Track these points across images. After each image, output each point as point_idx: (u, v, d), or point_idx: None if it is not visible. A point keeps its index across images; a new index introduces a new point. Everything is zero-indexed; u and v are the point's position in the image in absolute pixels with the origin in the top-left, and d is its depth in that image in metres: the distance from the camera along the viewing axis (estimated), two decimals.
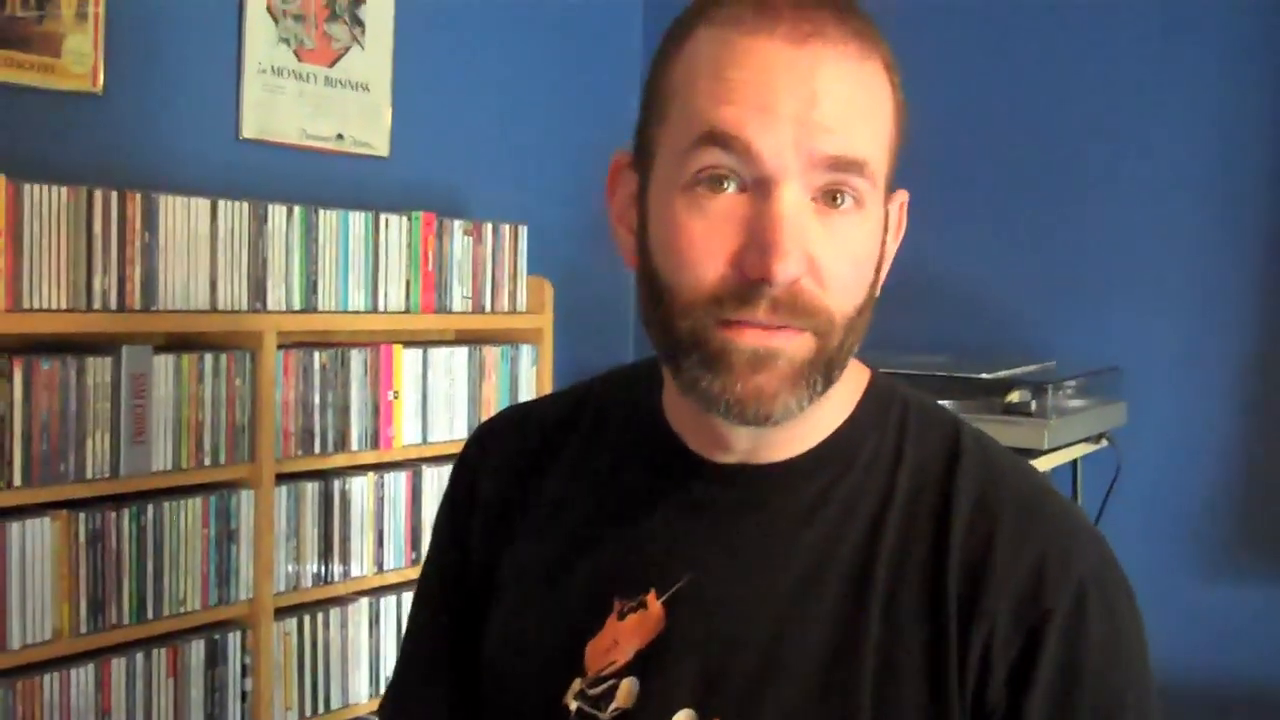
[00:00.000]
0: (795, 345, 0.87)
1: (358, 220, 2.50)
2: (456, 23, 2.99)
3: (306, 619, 2.40)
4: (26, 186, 1.98)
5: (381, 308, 2.55)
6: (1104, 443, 2.80)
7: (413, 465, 2.62)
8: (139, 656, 2.12)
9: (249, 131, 2.56)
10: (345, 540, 2.47)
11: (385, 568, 2.55)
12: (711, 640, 0.94)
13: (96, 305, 2.07)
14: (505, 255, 2.81)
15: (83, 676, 2.04)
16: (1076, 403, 2.69)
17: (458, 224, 2.71)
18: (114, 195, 2.10)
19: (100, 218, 2.08)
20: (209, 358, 2.22)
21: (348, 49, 2.74)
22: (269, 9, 2.58)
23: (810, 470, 0.97)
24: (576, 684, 0.97)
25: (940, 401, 1.05)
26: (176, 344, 2.23)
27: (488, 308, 2.78)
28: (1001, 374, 2.61)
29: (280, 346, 2.33)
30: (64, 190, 2.03)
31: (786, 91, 0.85)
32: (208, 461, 2.22)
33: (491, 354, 2.78)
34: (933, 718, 0.89)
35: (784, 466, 0.97)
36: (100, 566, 2.06)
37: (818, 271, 0.87)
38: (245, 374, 2.27)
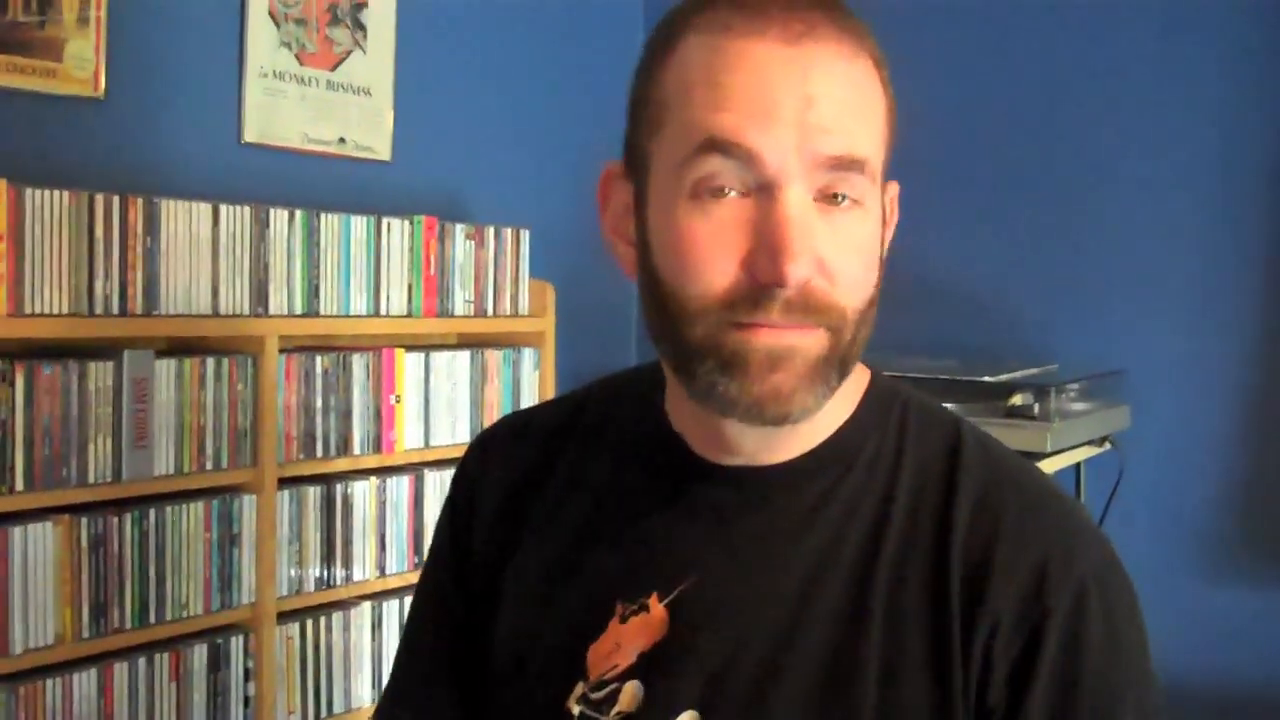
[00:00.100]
0: (809, 342, 0.88)
1: (360, 224, 2.50)
2: (458, 26, 2.99)
3: (309, 623, 2.40)
4: (28, 191, 1.98)
5: (383, 311, 2.55)
6: (1107, 446, 2.80)
7: (415, 469, 2.61)
8: (141, 661, 2.12)
9: (251, 135, 2.56)
10: (347, 544, 2.47)
11: (387, 572, 2.55)
12: (714, 642, 0.94)
13: (98, 310, 2.07)
14: (507, 259, 2.81)
15: (85, 681, 2.04)
16: (1079, 406, 2.69)
17: (460, 228, 2.71)
18: (115, 200, 2.10)
19: (102, 222, 2.08)
20: (211, 362, 2.22)
21: (349, 53, 2.74)
22: (271, 13, 2.58)
23: (812, 471, 0.97)
24: (579, 688, 0.96)
25: (943, 404, 1.05)
26: (178, 348, 2.23)
27: (490, 311, 2.78)
28: (1004, 377, 2.61)
29: (282, 350, 2.33)
30: (66, 195, 2.03)
31: (784, 94, 0.85)
32: (210, 466, 2.22)
33: (494, 358, 2.78)
34: (937, 718, 0.89)
35: (786, 467, 0.97)
36: (102, 571, 2.06)
37: (827, 270, 0.87)
38: (247, 378, 2.27)
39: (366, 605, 2.51)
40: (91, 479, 2.05)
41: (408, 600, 2.55)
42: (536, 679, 0.99)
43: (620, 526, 1.01)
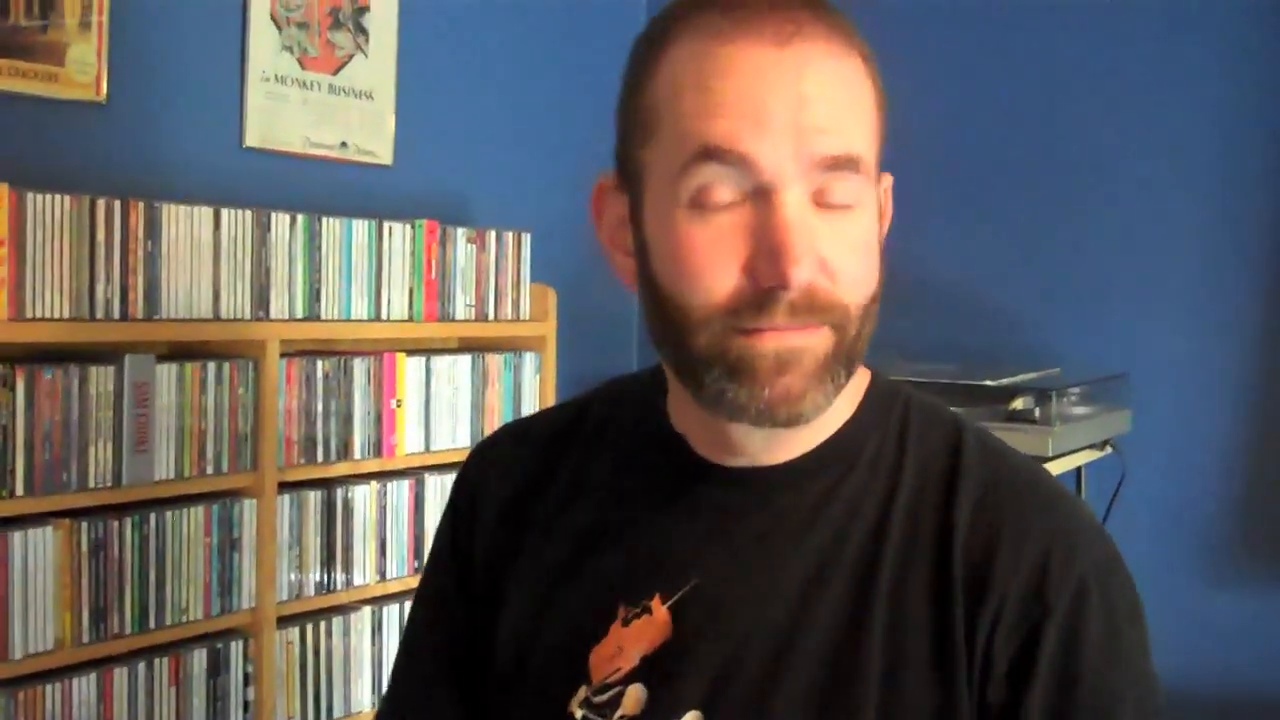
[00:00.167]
0: (815, 341, 0.88)
1: (361, 228, 2.50)
2: (460, 30, 2.99)
3: (309, 628, 2.40)
4: (30, 195, 1.98)
5: (384, 316, 2.55)
6: (1109, 450, 2.80)
7: (415, 474, 2.61)
8: (141, 666, 2.12)
9: (252, 140, 2.56)
10: (348, 549, 2.47)
11: (388, 576, 2.55)
12: (717, 644, 0.93)
13: (99, 314, 2.07)
14: (509, 263, 2.81)
15: (85, 686, 2.04)
16: (1081, 410, 2.68)
17: (461, 232, 2.71)
18: (117, 204, 2.10)
19: (103, 226, 2.08)
20: (212, 366, 2.22)
21: (351, 57, 2.74)
22: (273, 17, 2.58)
23: (813, 470, 0.97)
24: (582, 691, 0.96)
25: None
26: (179, 353, 2.23)
27: (491, 315, 2.78)
28: (1005, 381, 2.61)
29: (283, 355, 2.33)
30: (67, 199, 2.03)
31: (776, 96, 0.85)
32: (210, 470, 2.22)
33: (495, 362, 2.77)
34: (940, 717, 0.89)
35: (787, 467, 0.97)
36: (102, 575, 2.06)
37: (829, 270, 0.87)
38: (248, 382, 2.27)
39: (367, 610, 2.51)
40: (92, 483, 2.05)
41: (408, 605, 2.55)
42: (538, 682, 0.99)
43: (622, 529, 1.00)
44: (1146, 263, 2.92)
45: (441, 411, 2.65)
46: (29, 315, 1.98)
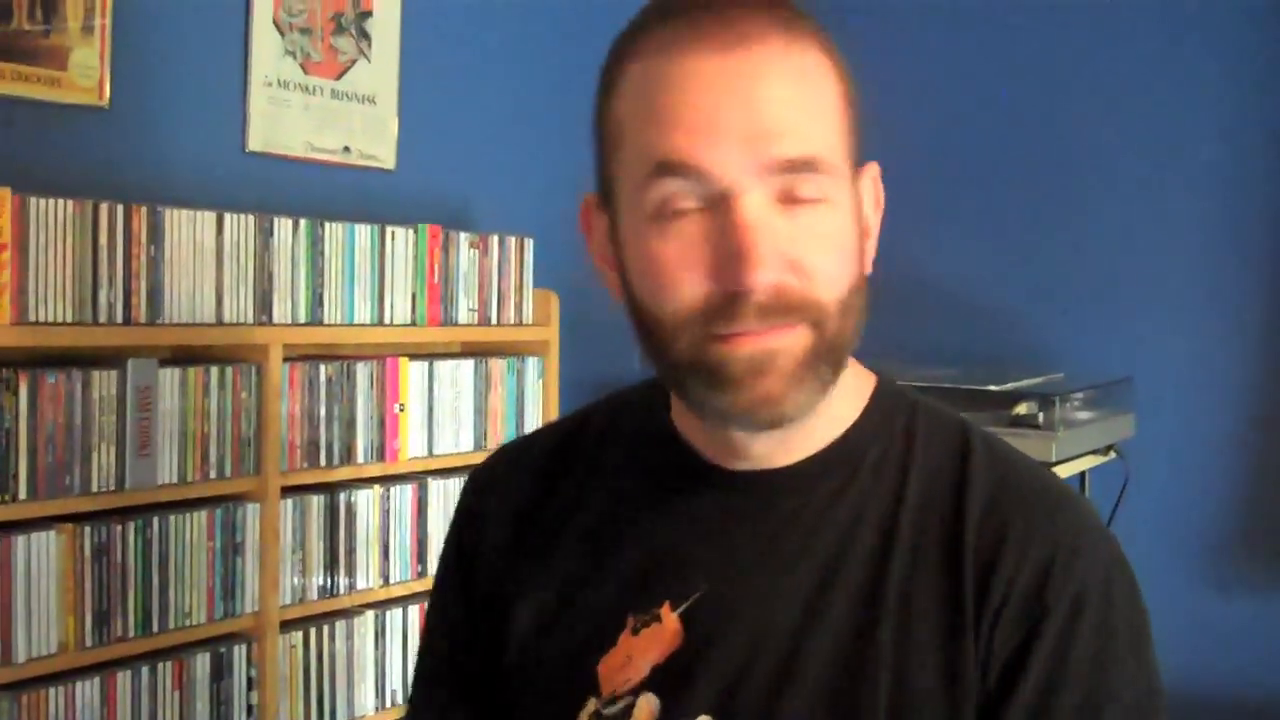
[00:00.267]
0: (792, 340, 0.88)
1: (364, 233, 2.50)
2: (463, 35, 2.99)
3: (312, 632, 2.40)
4: (32, 199, 1.98)
5: (387, 320, 2.55)
6: (1113, 455, 2.80)
7: (419, 478, 2.61)
8: (144, 670, 2.11)
9: (255, 144, 2.56)
10: (351, 553, 2.46)
11: (391, 581, 2.54)
12: (727, 650, 0.93)
13: (102, 318, 2.07)
14: (511, 268, 2.81)
15: (88, 690, 2.03)
16: (1085, 415, 2.68)
17: (464, 236, 2.71)
18: (120, 208, 2.10)
19: (106, 231, 2.08)
20: (214, 371, 2.22)
21: (354, 62, 2.74)
22: (275, 22, 2.58)
23: (817, 474, 0.96)
24: (591, 703, 0.96)
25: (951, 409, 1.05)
26: (182, 357, 2.23)
27: (494, 320, 2.78)
28: (1009, 386, 2.61)
29: (286, 359, 2.33)
30: (70, 203, 2.03)
31: (726, 105, 0.86)
32: (213, 474, 2.22)
33: (497, 366, 2.77)
34: (950, 717, 0.89)
35: (791, 471, 0.96)
36: (105, 580, 2.06)
37: (799, 268, 0.87)
38: (251, 387, 2.27)
39: (370, 614, 2.51)
40: (95, 488, 2.05)
41: (412, 609, 2.57)
42: (547, 695, 0.99)
43: (628, 538, 1.00)
44: (1149, 266, 2.92)
45: (444, 416, 2.65)
46: (32, 319, 1.98)
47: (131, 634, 2.10)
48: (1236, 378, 2.84)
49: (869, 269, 0.95)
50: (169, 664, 2.15)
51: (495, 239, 2.78)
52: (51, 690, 1.98)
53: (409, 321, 2.59)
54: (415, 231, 2.61)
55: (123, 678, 2.08)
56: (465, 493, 1.13)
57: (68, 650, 2.01)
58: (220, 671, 2.23)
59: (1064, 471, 2.55)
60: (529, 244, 2.84)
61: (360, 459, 2.48)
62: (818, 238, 0.88)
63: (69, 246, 2.02)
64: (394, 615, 2.54)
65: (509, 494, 1.08)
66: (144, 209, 2.13)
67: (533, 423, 2.82)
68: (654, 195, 0.88)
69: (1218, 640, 2.79)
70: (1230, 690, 2.78)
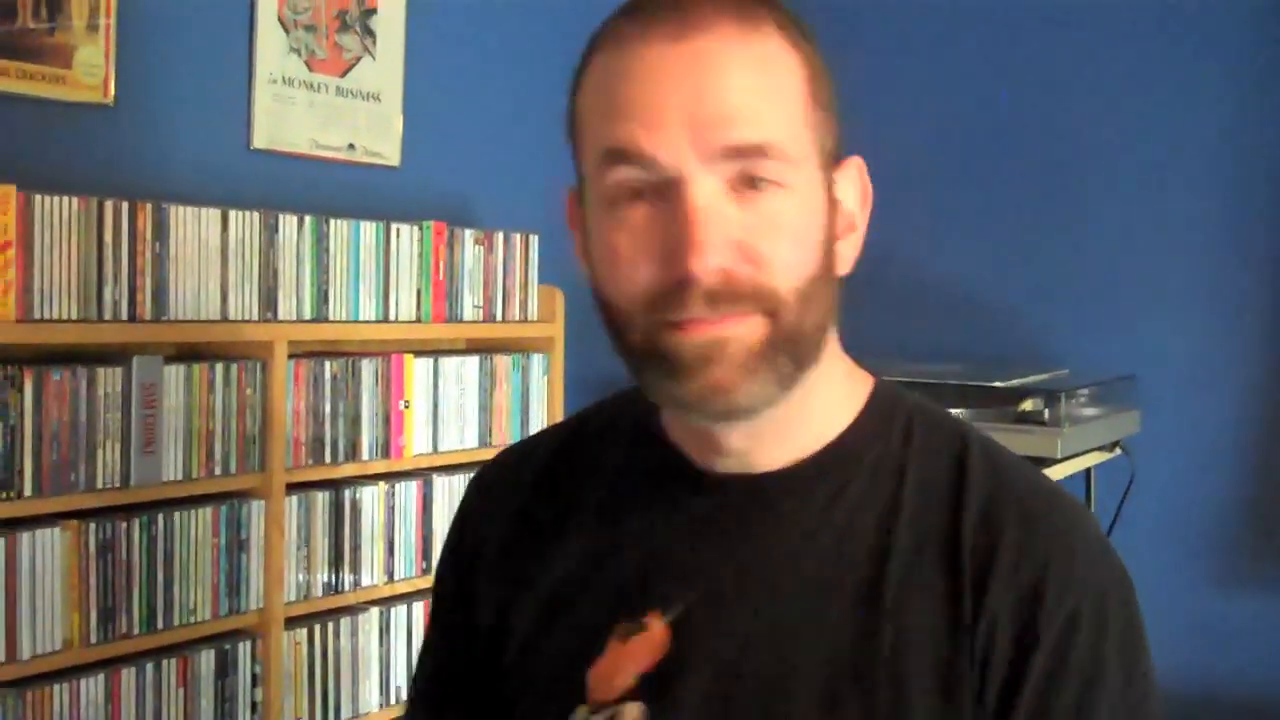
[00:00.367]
0: (745, 330, 0.87)
1: (369, 230, 2.50)
2: (467, 32, 2.99)
3: (317, 628, 2.40)
4: (37, 197, 1.99)
5: (392, 317, 2.55)
6: (1118, 451, 2.79)
7: (423, 475, 2.61)
8: (149, 666, 2.12)
9: (260, 141, 2.56)
10: (356, 550, 2.47)
11: (396, 577, 2.55)
12: (717, 660, 0.92)
13: (107, 315, 2.07)
14: (516, 264, 2.81)
15: (93, 687, 2.04)
16: (1090, 411, 2.68)
17: (469, 233, 2.71)
18: (125, 206, 2.10)
19: (111, 228, 2.08)
20: (219, 368, 2.22)
21: (359, 59, 2.74)
22: (280, 19, 2.58)
23: (811, 478, 0.95)
24: (581, 711, 0.95)
25: (954, 410, 1.05)
26: (187, 354, 2.23)
27: (499, 317, 2.78)
28: (1015, 382, 2.60)
29: (291, 356, 2.33)
30: (75, 201, 2.03)
31: (671, 92, 0.86)
32: (218, 471, 2.22)
33: (503, 363, 2.77)
34: None
35: (782, 474, 0.96)
36: (110, 576, 2.06)
37: (750, 254, 0.86)
38: (256, 384, 2.27)
39: (375, 611, 2.51)
40: (100, 484, 2.05)
41: (416, 606, 2.57)
42: (539, 701, 0.99)
43: (620, 545, 0.99)
44: (1154, 263, 2.92)
45: (449, 413, 2.65)
46: (37, 316, 1.99)
47: (136, 631, 2.10)
48: (1242, 374, 2.83)
49: (849, 266, 0.95)
50: (174, 661, 2.15)
51: (500, 235, 2.78)
52: (56, 687, 1.99)
53: (414, 318, 2.59)
54: (420, 228, 2.61)
55: (127, 674, 2.09)
56: (468, 494, 1.13)
57: (73, 647, 2.01)
58: (225, 668, 2.23)
59: (1069, 468, 2.55)
60: (534, 240, 2.84)
61: (365, 456, 2.48)
62: (773, 226, 0.87)
63: (74, 244, 2.03)
64: (399, 612, 2.55)
65: (510, 495, 1.08)
66: (149, 206, 2.13)
67: (538, 419, 2.82)
68: (607, 183, 0.88)
69: (1223, 637, 2.78)
70: (1235, 687, 2.77)
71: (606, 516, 1.01)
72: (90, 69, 2.26)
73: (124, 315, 2.09)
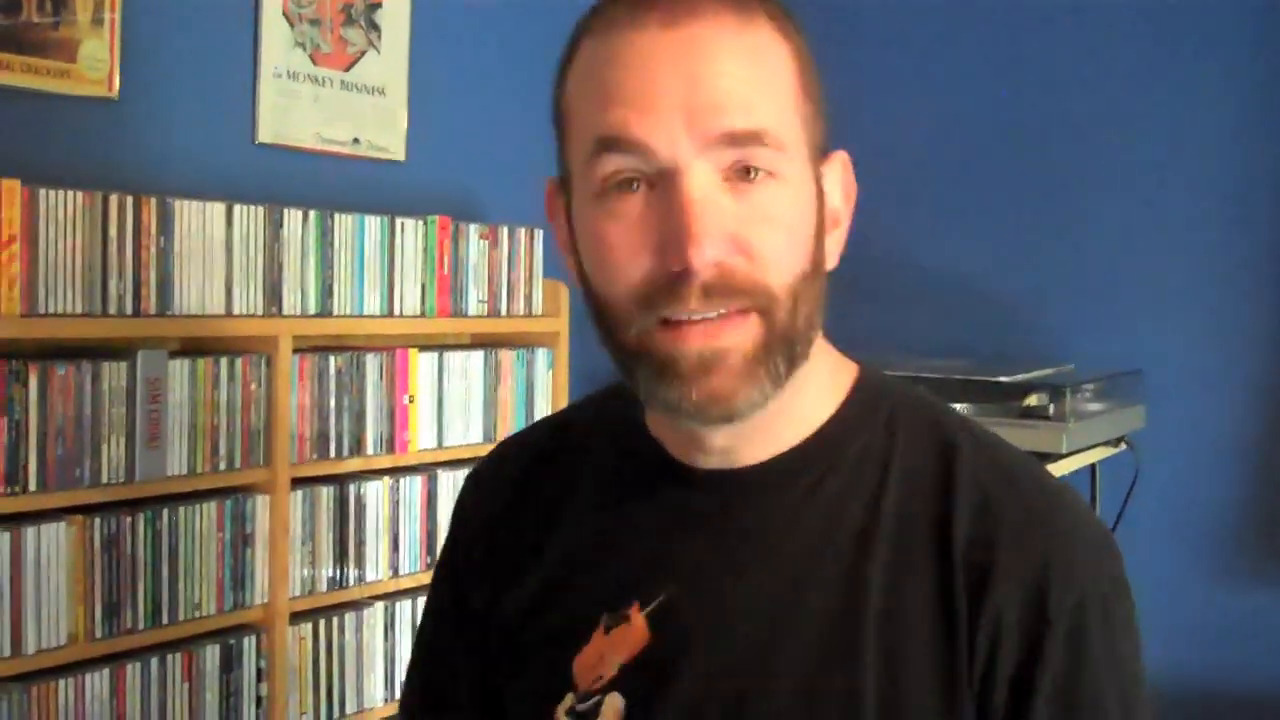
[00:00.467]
0: (743, 335, 0.86)
1: (373, 224, 2.50)
2: (472, 27, 2.98)
3: (322, 623, 2.40)
4: (42, 191, 1.99)
5: (397, 312, 2.55)
6: (1123, 446, 2.79)
7: (428, 469, 2.61)
8: (154, 661, 2.12)
9: (264, 136, 2.56)
10: (360, 544, 2.47)
11: (400, 572, 2.55)
12: (696, 651, 0.92)
13: (112, 310, 2.07)
14: (521, 259, 2.81)
15: (98, 681, 2.04)
16: (1095, 406, 2.67)
17: (473, 228, 2.71)
18: (129, 200, 2.10)
19: (115, 222, 2.08)
20: (224, 362, 2.22)
21: (364, 53, 2.74)
22: (285, 13, 2.58)
23: (794, 470, 0.94)
24: (568, 700, 0.96)
25: (958, 405, 1.04)
26: (191, 348, 2.23)
27: (503, 311, 2.77)
28: (1019, 377, 2.60)
29: (296, 351, 2.33)
30: (79, 195, 2.03)
31: (667, 79, 0.84)
32: (223, 466, 2.22)
33: (507, 357, 2.77)
34: (942, 714, 0.88)
35: (764, 467, 0.94)
36: (115, 571, 2.06)
37: (745, 247, 0.85)
38: (260, 378, 2.27)
39: (379, 605, 2.51)
40: (105, 479, 2.06)
41: (420, 601, 2.56)
42: (530, 689, 0.99)
43: (604, 538, 0.99)
44: (1159, 258, 2.91)
45: (454, 407, 2.65)
46: (41, 311, 1.99)
47: (141, 625, 2.10)
48: (1248, 369, 2.82)
49: (835, 261, 0.93)
50: (178, 655, 2.16)
51: (505, 230, 2.78)
52: (61, 681, 1.99)
53: (418, 313, 2.59)
54: (425, 223, 2.61)
55: (132, 669, 2.09)
56: (464, 488, 1.13)
57: (77, 642, 2.02)
58: (230, 663, 2.24)
59: (1074, 463, 2.54)
60: (539, 235, 2.84)
61: (370, 450, 2.48)
62: (767, 218, 0.86)
63: (78, 238, 2.03)
64: (403, 606, 2.55)
65: (497, 494, 1.08)
66: (153, 201, 2.13)
67: (542, 414, 2.82)
68: (598, 172, 0.86)
69: (1227, 632, 2.78)
70: (1239, 682, 2.77)
71: (591, 512, 1.01)
72: (95, 63, 2.25)
73: (129, 310, 2.09)
